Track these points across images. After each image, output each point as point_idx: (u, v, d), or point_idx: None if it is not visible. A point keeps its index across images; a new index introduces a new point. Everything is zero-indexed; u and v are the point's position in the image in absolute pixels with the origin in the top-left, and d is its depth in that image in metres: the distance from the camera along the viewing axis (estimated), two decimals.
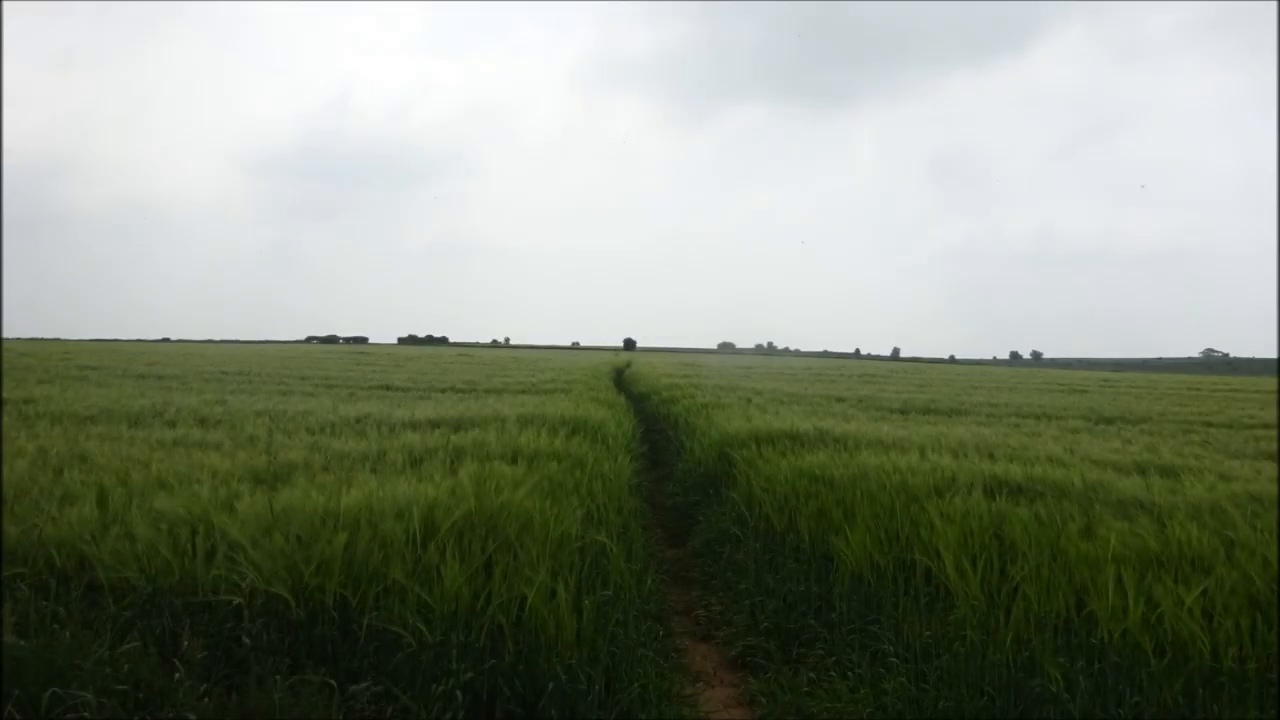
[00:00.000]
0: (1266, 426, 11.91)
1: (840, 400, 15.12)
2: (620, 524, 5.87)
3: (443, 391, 14.98)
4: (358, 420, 8.83)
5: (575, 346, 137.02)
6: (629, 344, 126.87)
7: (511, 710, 3.52)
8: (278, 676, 3.29)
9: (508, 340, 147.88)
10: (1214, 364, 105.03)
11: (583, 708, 3.59)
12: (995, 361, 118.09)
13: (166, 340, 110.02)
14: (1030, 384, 26.28)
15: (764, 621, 4.95)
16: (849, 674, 4.15)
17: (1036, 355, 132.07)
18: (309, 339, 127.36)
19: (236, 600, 3.62)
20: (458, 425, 8.55)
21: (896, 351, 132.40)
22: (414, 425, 8.53)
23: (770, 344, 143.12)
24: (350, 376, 19.43)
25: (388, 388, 15.87)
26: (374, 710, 3.33)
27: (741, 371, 27.35)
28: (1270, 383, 30.91)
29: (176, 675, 3.19)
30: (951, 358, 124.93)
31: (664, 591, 5.79)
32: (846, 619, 4.66)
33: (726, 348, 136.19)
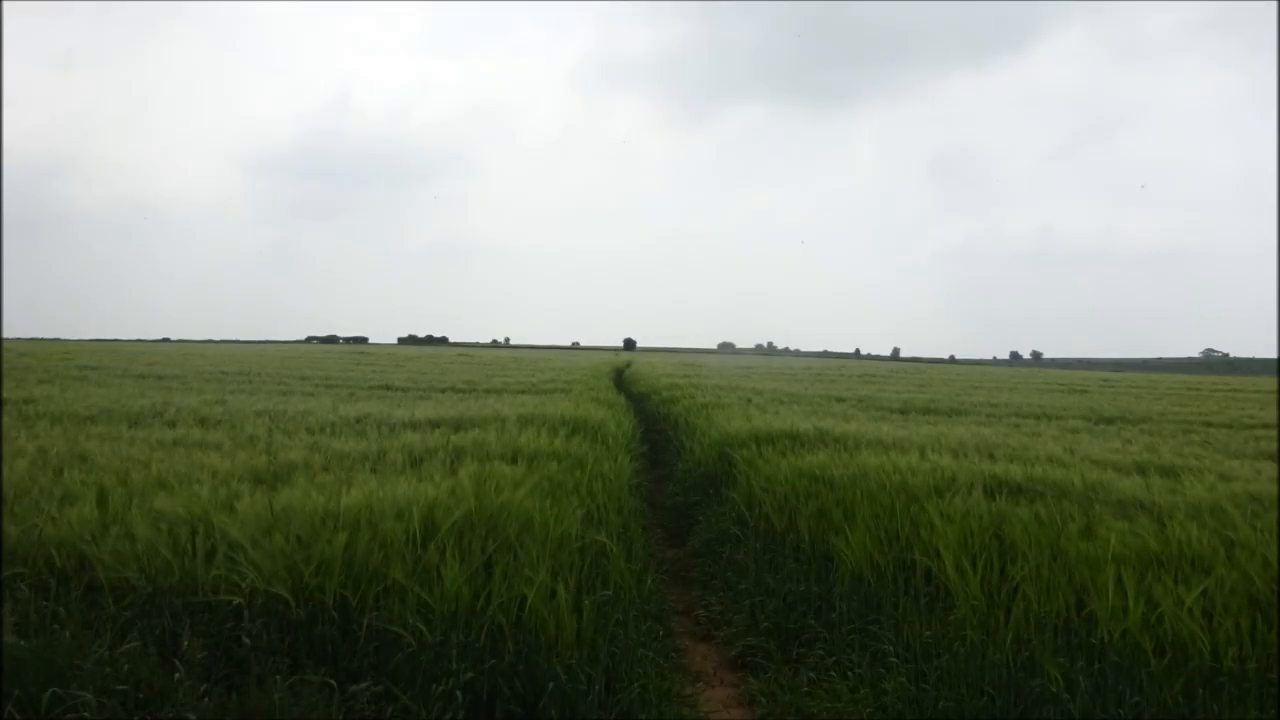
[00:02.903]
0: (1266, 426, 11.91)
1: (840, 400, 15.11)
2: (620, 524, 5.87)
3: (443, 391, 14.98)
4: (358, 420, 8.83)
5: (575, 346, 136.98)
6: (629, 344, 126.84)
7: (511, 710, 3.52)
8: (278, 676, 3.29)
9: (508, 340, 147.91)
10: (1214, 364, 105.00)
11: (583, 708, 3.59)
12: (995, 361, 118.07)
13: (166, 340, 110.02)
14: (1030, 384, 26.28)
15: (764, 621, 4.95)
16: (849, 674, 4.15)
17: (1036, 355, 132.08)
18: (309, 339, 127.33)
19: (236, 600, 3.62)
20: (458, 425, 8.55)
21: (896, 351, 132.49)
22: (414, 425, 8.53)
23: (770, 344, 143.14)
24: (350, 376, 19.43)
25: (388, 388, 15.87)
26: (374, 710, 3.33)
27: (741, 371, 27.35)
28: (1270, 383, 30.90)
29: (176, 675, 3.19)
30: (951, 358, 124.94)
31: (664, 591, 5.78)
32: (846, 619, 4.66)
33: (726, 348, 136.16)
